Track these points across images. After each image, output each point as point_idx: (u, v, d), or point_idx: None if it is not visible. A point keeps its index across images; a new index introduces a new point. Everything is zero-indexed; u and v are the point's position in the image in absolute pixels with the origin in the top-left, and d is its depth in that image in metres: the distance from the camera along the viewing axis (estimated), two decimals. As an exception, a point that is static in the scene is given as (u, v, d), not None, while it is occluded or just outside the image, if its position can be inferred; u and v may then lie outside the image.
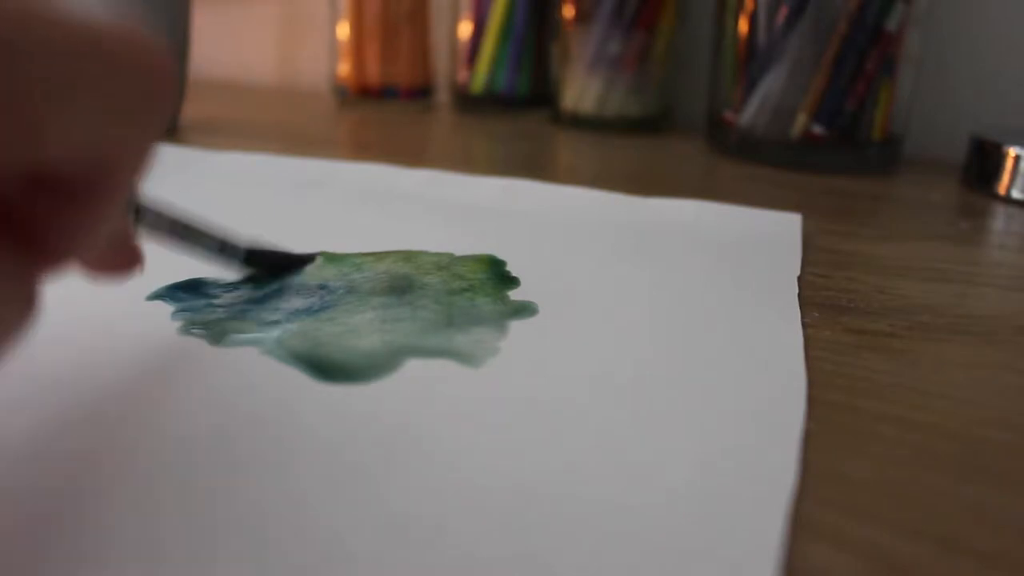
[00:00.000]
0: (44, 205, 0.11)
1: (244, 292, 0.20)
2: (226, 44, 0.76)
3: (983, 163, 0.36)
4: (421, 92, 0.59)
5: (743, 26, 0.41)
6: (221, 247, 0.19)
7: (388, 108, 0.57)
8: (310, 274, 0.21)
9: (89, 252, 0.12)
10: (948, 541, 0.12)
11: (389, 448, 0.13)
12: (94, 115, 0.10)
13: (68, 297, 0.19)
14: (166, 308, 0.19)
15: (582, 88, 0.50)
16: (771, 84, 0.40)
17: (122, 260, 0.15)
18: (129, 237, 0.15)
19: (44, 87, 0.09)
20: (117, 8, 0.10)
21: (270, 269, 0.21)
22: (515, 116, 0.55)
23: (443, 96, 0.61)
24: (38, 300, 0.11)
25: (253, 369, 0.16)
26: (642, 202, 0.29)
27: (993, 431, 0.15)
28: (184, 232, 0.18)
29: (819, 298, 0.21)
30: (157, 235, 0.17)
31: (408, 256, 0.23)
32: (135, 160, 0.11)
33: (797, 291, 0.21)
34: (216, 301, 0.19)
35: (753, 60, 0.40)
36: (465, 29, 0.55)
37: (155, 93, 0.11)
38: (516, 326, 0.18)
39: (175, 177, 0.32)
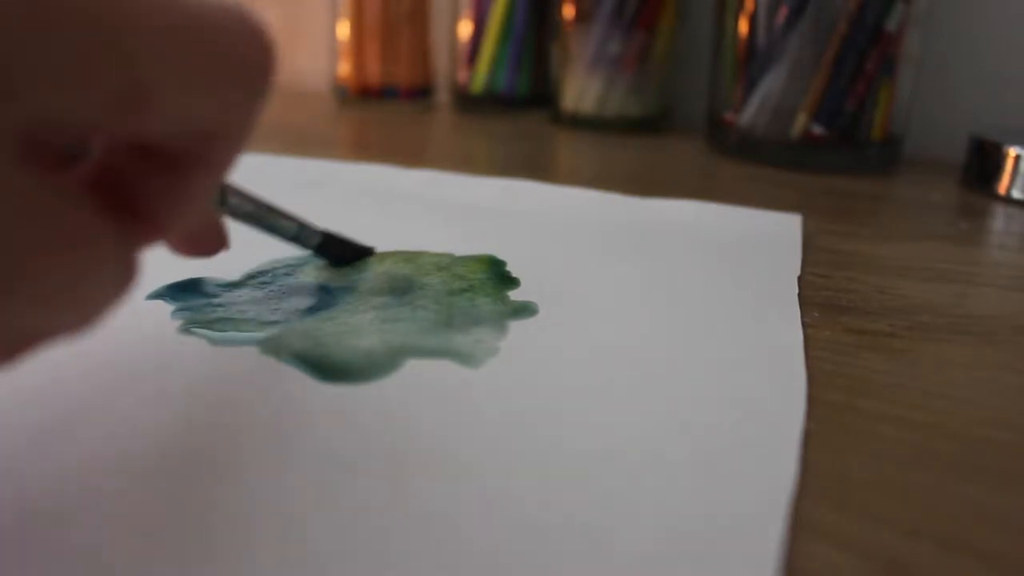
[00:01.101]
0: (148, 175, 0.11)
1: (244, 292, 0.20)
2: (226, 44, 0.76)
3: (983, 163, 0.36)
4: (421, 92, 0.59)
5: (743, 26, 0.41)
6: (297, 232, 0.20)
7: (388, 108, 0.57)
8: (310, 274, 0.21)
9: (184, 227, 0.12)
10: (948, 541, 0.12)
11: (389, 448, 0.13)
12: (199, 88, 0.10)
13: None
14: (166, 308, 0.19)
15: (582, 88, 0.50)
16: (771, 84, 0.40)
17: (210, 239, 0.16)
18: (216, 217, 0.16)
19: (150, 58, 0.09)
20: None
21: (339, 257, 0.22)
22: (515, 116, 0.55)
23: (443, 96, 0.61)
24: (138, 269, 0.11)
25: (253, 369, 0.16)
26: (642, 202, 0.29)
27: (993, 431, 0.15)
28: (266, 215, 0.18)
29: (819, 298, 0.21)
30: (240, 217, 0.18)
31: (408, 256, 0.23)
32: (236, 134, 0.12)
33: (797, 291, 0.21)
34: (216, 301, 0.19)
35: (753, 60, 0.40)
36: (465, 29, 0.55)
37: (256, 69, 0.11)
38: (516, 326, 0.18)
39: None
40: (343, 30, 0.58)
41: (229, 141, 0.12)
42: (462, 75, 0.56)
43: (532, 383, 0.15)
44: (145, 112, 0.10)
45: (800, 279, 0.22)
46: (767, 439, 0.14)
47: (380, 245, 0.24)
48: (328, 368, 0.16)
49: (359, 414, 0.14)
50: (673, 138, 0.49)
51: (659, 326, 0.18)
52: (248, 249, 0.23)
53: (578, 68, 0.49)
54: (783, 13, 0.39)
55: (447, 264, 0.22)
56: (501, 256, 0.23)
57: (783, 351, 0.17)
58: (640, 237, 0.25)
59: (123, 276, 0.11)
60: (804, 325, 0.19)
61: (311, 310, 0.19)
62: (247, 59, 0.11)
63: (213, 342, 0.17)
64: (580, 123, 0.50)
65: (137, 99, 0.09)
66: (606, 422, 0.14)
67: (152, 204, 0.11)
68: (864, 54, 0.37)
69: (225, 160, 0.12)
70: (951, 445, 0.14)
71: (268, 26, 0.11)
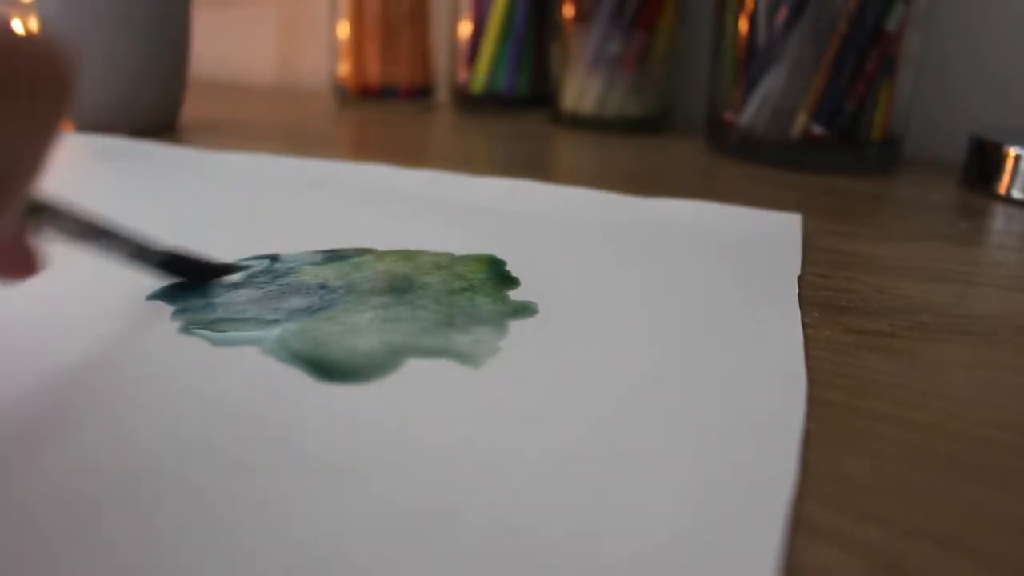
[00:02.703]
0: None
1: (244, 292, 0.20)
2: (226, 44, 0.76)
3: (983, 163, 0.36)
4: (421, 92, 0.59)
5: (743, 26, 0.41)
6: (136, 252, 0.18)
7: (388, 108, 0.57)
8: (310, 274, 0.21)
9: None
10: (948, 541, 0.12)
11: (389, 448, 0.13)
12: None
13: (68, 297, 0.19)
14: (166, 308, 0.19)
15: (582, 88, 0.50)
16: (771, 84, 0.40)
17: (19, 264, 0.14)
18: (26, 240, 0.14)
19: None
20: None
21: (187, 276, 0.20)
22: (515, 116, 0.55)
23: (443, 96, 0.61)
24: None
25: (253, 369, 0.16)
26: (642, 202, 0.29)
27: (993, 431, 0.15)
28: (95, 235, 0.17)
29: (819, 298, 0.21)
30: (65, 238, 0.16)
31: (408, 256, 0.23)
32: (26, 170, 0.10)
33: (797, 291, 0.21)
34: (216, 301, 0.19)
35: (753, 60, 0.40)
36: (465, 29, 0.55)
37: (47, 95, 0.09)
38: (516, 326, 0.18)
39: (175, 177, 0.32)
40: (343, 30, 0.58)
41: (16, 180, 0.10)
42: (462, 75, 0.56)
43: (532, 383, 0.15)
44: None
45: (800, 279, 0.22)
46: (767, 439, 0.14)
47: (380, 244, 0.24)
48: (328, 368, 0.16)
49: (359, 414, 0.14)
50: (673, 138, 0.49)
51: (659, 326, 0.18)
52: (249, 249, 0.23)
53: (578, 68, 0.49)
54: (783, 13, 0.39)
55: (447, 264, 0.22)
56: (501, 256, 0.23)
57: (783, 351, 0.17)
58: (640, 237, 0.25)
59: None
60: (804, 325, 0.19)
61: (311, 310, 0.19)
62: (43, 87, 0.09)
63: (213, 342, 0.17)
64: (580, 123, 0.50)
65: None
66: (606, 422, 0.14)
67: None
68: (864, 54, 0.37)
69: (14, 199, 0.10)
70: (951, 445, 0.14)
71: (67, 45, 0.09)
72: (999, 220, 0.32)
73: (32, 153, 0.10)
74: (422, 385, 0.15)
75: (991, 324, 0.20)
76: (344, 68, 0.58)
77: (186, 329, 0.17)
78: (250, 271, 0.21)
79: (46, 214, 0.15)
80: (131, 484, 0.12)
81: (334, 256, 0.22)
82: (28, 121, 0.09)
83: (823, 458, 0.13)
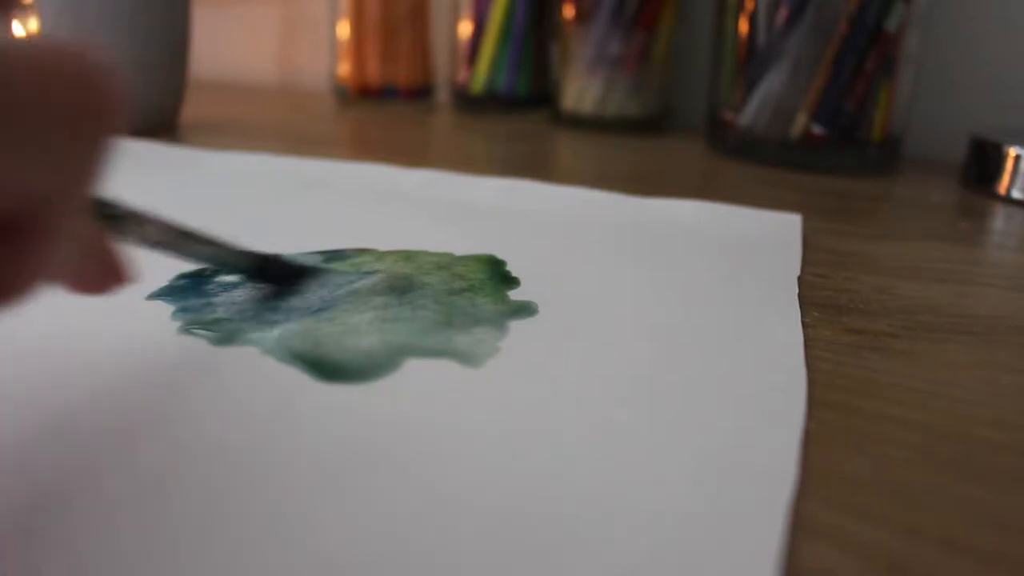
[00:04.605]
0: None
1: (244, 292, 0.20)
2: (226, 44, 0.76)
3: (983, 163, 0.36)
4: (421, 92, 0.59)
5: (743, 26, 0.41)
6: (225, 257, 0.18)
7: (388, 108, 0.57)
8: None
9: (53, 281, 0.11)
10: (948, 541, 0.12)
11: (389, 448, 0.13)
12: (20, 146, 0.08)
13: (68, 297, 0.19)
14: (166, 308, 0.19)
15: (582, 88, 0.50)
16: (771, 84, 0.40)
17: (105, 277, 0.14)
18: (108, 253, 0.14)
19: None
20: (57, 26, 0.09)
21: (278, 281, 0.20)
22: (515, 116, 0.55)
23: (443, 96, 0.61)
24: None
25: (253, 369, 0.16)
26: (642, 202, 0.29)
27: (993, 431, 0.15)
28: (183, 241, 0.17)
29: (819, 298, 0.21)
30: (150, 247, 0.16)
31: (408, 256, 0.23)
32: (75, 193, 0.10)
33: (797, 291, 0.21)
34: (216, 301, 0.19)
35: (753, 60, 0.40)
36: (465, 29, 0.55)
37: (96, 119, 0.09)
38: (516, 326, 0.18)
39: (175, 177, 0.32)
40: (343, 30, 0.58)
41: (68, 203, 0.10)
42: (462, 75, 0.56)
43: (532, 383, 0.15)
44: None
45: (800, 279, 0.22)
46: (767, 439, 0.14)
47: (380, 244, 0.24)
48: (328, 368, 0.16)
49: (359, 414, 0.14)
50: (673, 138, 0.49)
51: (659, 326, 0.18)
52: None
53: (578, 68, 0.49)
54: (783, 13, 0.39)
55: (447, 264, 0.22)
56: (501, 256, 0.23)
57: (783, 351, 0.17)
58: (640, 237, 0.25)
59: None
60: (804, 325, 0.19)
61: (311, 310, 0.19)
62: (82, 108, 0.09)
63: (213, 343, 0.17)
64: (580, 123, 0.50)
65: None
66: (606, 422, 0.14)
67: None
68: (864, 54, 0.37)
69: (68, 223, 0.10)
70: (951, 445, 0.14)
71: (113, 63, 0.09)
72: (999, 220, 0.32)
73: (77, 181, 0.10)
74: (422, 385, 0.15)
75: (991, 324, 0.20)
76: (344, 68, 0.58)
77: (186, 329, 0.17)
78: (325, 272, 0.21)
79: (130, 223, 0.15)
80: (131, 484, 0.12)
81: (334, 256, 0.22)
82: (67, 145, 0.09)
83: (823, 458, 0.13)
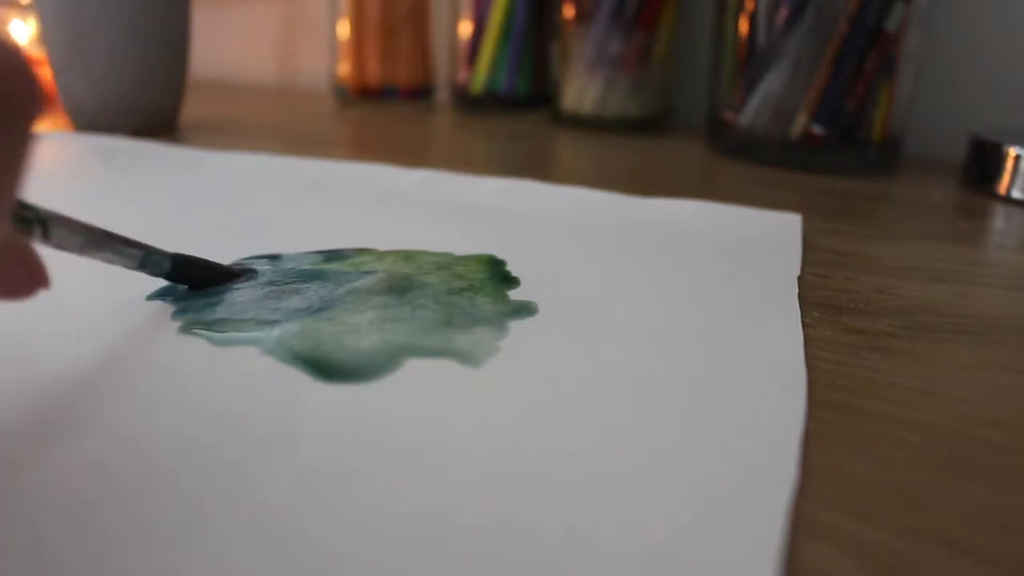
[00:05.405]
0: None
1: (244, 292, 0.20)
2: (226, 44, 0.76)
3: (983, 163, 0.36)
4: (421, 92, 0.59)
5: (743, 26, 0.41)
6: (143, 259, 0.18)
7: (388, 108, 0.57)
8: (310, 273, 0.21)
9: None
10: (948, 541, 0.12)
11: (389, 448, 0.13)
12: None
13: (67, 297, 0.19)
14: (166, 308, 0.19)
15: (582, 88, 0.50)
16: (771, 84, 0.40)
17: (27, 281, 0.14)
18: (26, 255, 0.14)
19: None
20: None
21: (197, 281, 0.20)
22: (515, 116, 0.55)
23: (443, 96, 0.61)
24: None
25: (253, 369, 0.16)
26: (642, 202, 0.29)
27: (993, 431, 0.15)
28: (100, 244, 0.17)
29: (819, 298, 0.21)
30: (71, 249, 0.16)
31: (408, 256, 0.23)
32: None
33: (797, 291, 0.21)
34: (216, 301, 0.19)
35: (753, 60, 0.40)
36: (465, 29, 0.55)
37: (14, 117, 0.09)
38: (516, 326, 0.18)
39: (175, 177, 0.32)
40: (343, 30, 0.58)
41: None
42: (462, 75, 0.56)
43: (532, 383, 0.15)
44: None
45: (800, 279, 0.22)
46: (767, 439, 0.14)
47: (380, 244, 0.24)
48: (328, 368, 0.16)
49: (359, 414, 0.14)
50: (673, 138, 0.49)
51: (659, 326, 0.18)
52: (248, 249, 0.23)
53: (578, 68, 0.49)
54: (783, 13, 0.39)
55: (447, 263, 0.22)
56: (501, 256, 0.23)
57: (783, 351, 0.17)
58: (640, 237, 0.25)
59: None
60: (804, 325, 0.19)
61: (311, 310, 0.19)
62: (3, 106, 0.09)
63: (213, 342, 0.17)
64: (580, 123, 0.50)
65: None
66: (606, 422, 0.14)
67: None
68: (864, 54, 0.37)
69: None
70: (951, 445, 0.14)
71: (28, 57, 0.09)
72: (999, 220, 0.32)
73: (3, 170, 0.09)
74: (422, 385, 0.15)
75: (991, 324, 0.20)
76: (344, 68, 0.58)
77: (186, 329, 0.17)
78: (261, 273, 0.21)
79: (46, 226, 0.15)
80: (131, 484, 0.12)
81: (334, 256, 0.22)
82: None
83: (823, 458, 0.13)
